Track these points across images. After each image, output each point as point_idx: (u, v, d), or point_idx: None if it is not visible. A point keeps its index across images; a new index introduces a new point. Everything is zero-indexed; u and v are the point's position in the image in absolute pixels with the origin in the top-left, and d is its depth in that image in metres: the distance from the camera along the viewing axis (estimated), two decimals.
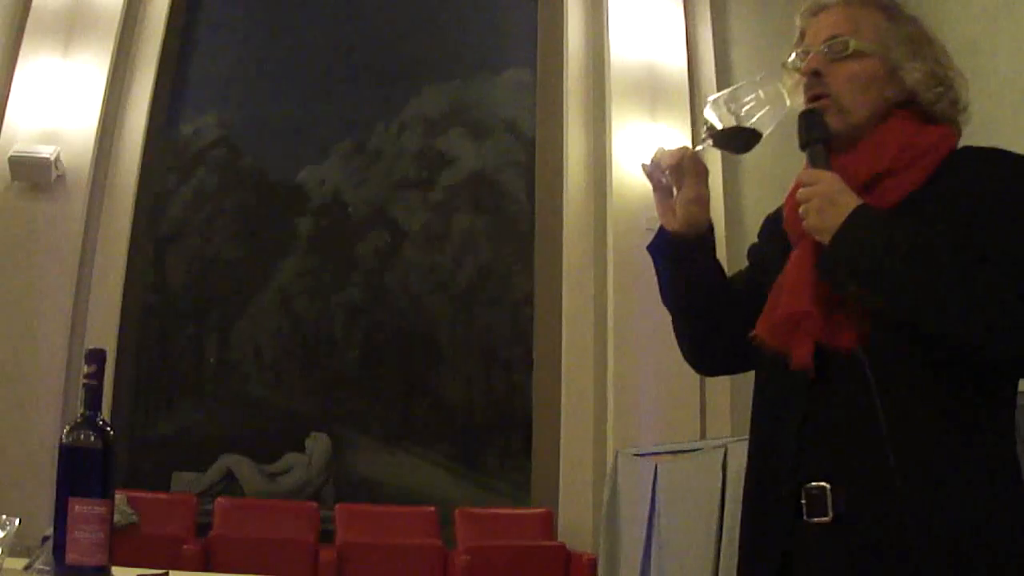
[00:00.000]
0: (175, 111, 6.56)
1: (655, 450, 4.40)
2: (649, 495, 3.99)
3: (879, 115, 1.37)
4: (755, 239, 1.58)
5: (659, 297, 1.53)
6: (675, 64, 6.44)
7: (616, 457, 4.59)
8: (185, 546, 5.08)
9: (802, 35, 1.46)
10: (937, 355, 1.23)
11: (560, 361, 6.22)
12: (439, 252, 6.72)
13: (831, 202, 1.27)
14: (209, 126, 6.66)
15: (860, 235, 1.24)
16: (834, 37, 1.39)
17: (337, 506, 5.88)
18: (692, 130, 6.22)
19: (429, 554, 5.57)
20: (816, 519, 1.27)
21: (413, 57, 6.90)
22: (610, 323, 6.01)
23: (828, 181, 1.29)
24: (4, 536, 1.30)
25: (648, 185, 1.48)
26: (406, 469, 6.38)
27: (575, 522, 5.91)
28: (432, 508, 5.96)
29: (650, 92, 6.34)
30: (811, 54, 1.41)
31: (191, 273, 6.50)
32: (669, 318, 1.55)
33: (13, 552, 1.33)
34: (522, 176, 6.86)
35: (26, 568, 1.33)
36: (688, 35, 6.53)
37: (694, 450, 3.95)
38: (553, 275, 6.41)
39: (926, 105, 1.36)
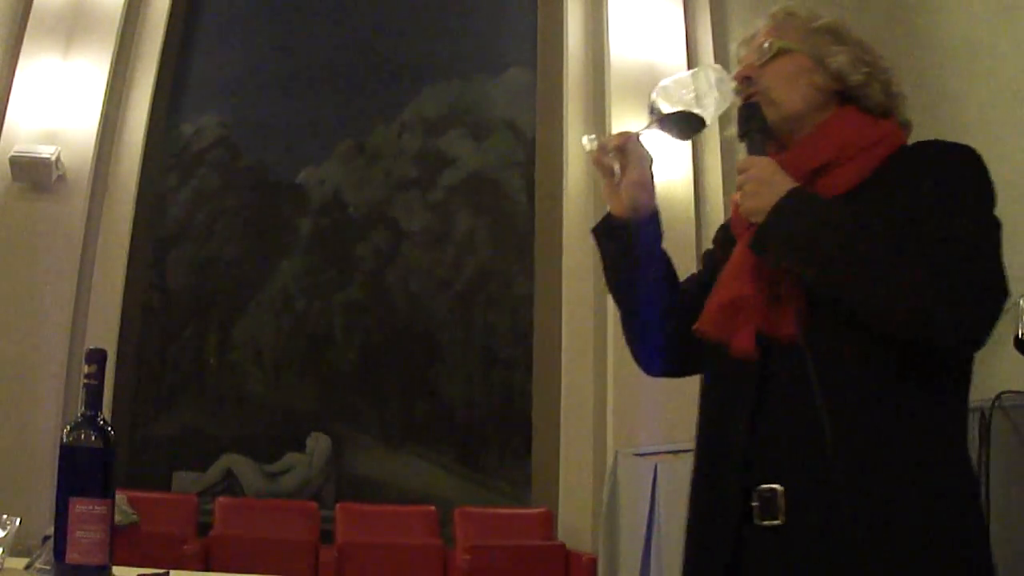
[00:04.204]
0: (175, 111, 6.56)
1: (655, 450, 4.40)
2: (649, 495, 3.99)
3: (815, 106, 1.39)
4: None
5: None
6: (675, 64, 6.43)
7: (616, 457, 4.60)
8: (185, 546, 5.07)
9: (740, 61, 1.50)
10: (880, 345, 1.21)
11: (560, 361, 6.21)
12: (439, 252, 6.72)
13: (766, 184, 1.28)
14: (209, 126, 6.66)
15: (793, 210, 1.25)
16: (760, 46, 1.44)
17: (337, 506, 5.87)
18: None
19: (429, 554, 5.57)
20: (767, 522, 1.25)
21: (413, 57, 6.90)
22: (610, 323, 6.00)
23: (762, 165, 1.31)
24: (5, 536, 1.31)
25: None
26: (406, 469, 6.38)
27: (575, 522, 5.90)
28: (432, 508, 5.96)
29: (650, 92, 6.32)
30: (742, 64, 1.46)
31: (192, 273, 6.50)
32: None
33: (14, 552, 1.34)
34: (522, 176, 6.86)
35: (27, 567, 1.34)
36: (688, 35, 6.53)
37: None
38: (553, 275, 6.41)
39: (856, 88, 1.38)
